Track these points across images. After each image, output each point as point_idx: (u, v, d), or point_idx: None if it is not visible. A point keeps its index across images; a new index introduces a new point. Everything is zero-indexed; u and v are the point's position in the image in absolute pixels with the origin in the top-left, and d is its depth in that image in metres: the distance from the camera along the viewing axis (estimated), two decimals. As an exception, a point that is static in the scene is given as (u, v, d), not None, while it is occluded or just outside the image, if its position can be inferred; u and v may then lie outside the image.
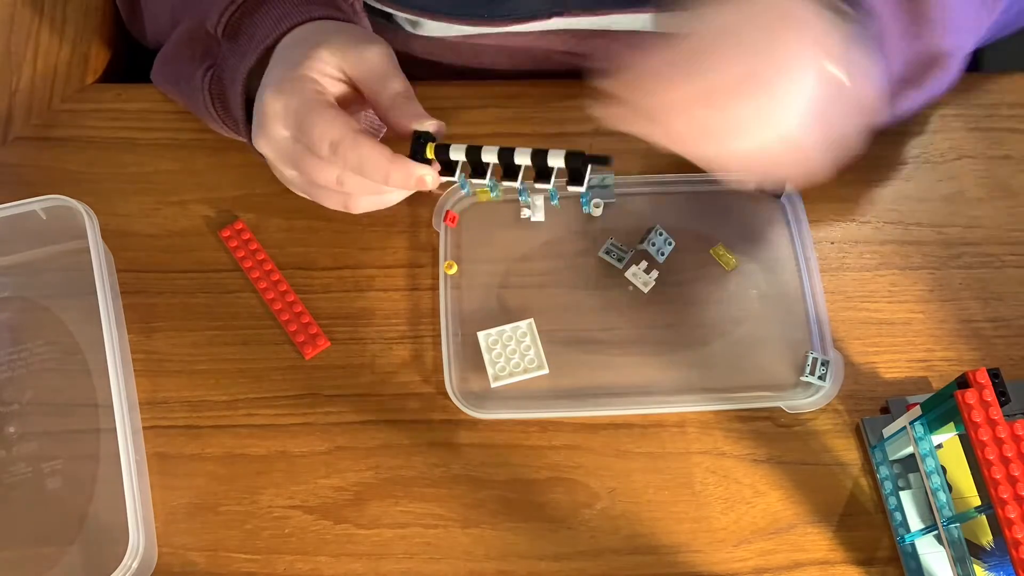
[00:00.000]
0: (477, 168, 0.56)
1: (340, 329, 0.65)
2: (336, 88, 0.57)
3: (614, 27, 0.71)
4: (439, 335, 0.64)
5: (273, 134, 0.56)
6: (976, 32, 0.62)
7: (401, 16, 0.70)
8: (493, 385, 0.62)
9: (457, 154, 0.55)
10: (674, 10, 0.65)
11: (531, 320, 0.63)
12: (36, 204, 0.63)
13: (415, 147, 0.55)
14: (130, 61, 0.79)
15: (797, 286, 0.65)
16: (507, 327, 0.63)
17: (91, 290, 0.60)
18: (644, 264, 0.65)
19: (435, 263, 0.66)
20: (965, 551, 0.54)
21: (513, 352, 0.63)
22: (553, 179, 0.55)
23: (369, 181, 0.55)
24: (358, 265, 0.67)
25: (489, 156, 0.55)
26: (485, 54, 0.73)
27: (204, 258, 0.67)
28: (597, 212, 0.67)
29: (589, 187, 0.55)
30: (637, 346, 0.64)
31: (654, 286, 0.65)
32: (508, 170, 0.56)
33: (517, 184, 0.56)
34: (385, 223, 0.68)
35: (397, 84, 0.57)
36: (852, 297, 0.66)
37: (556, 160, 0.54)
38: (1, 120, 0.72)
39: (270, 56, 0.60)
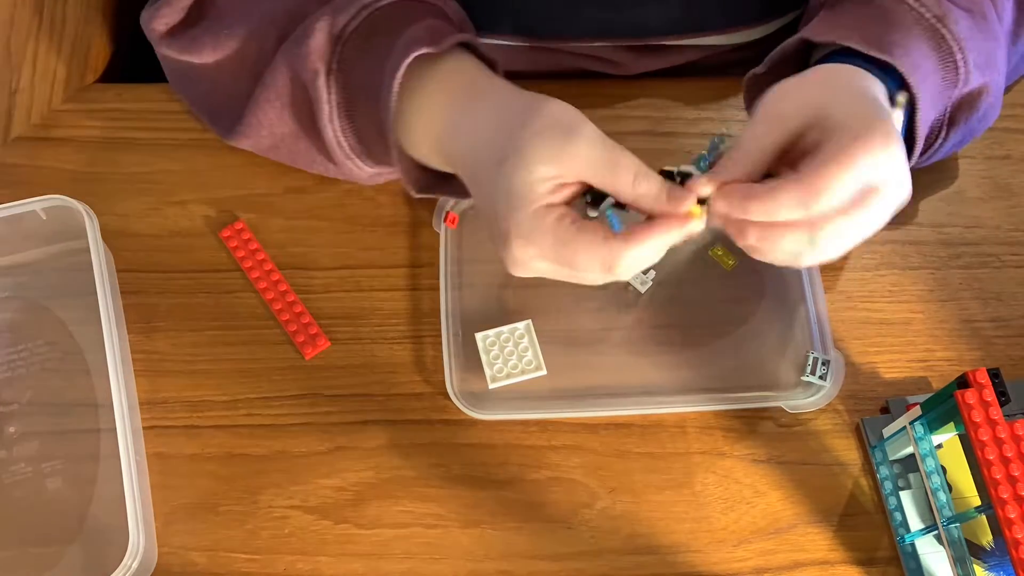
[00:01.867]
0: None
1: (340, 329, 0.65)
2: (569, 192, 0.53)
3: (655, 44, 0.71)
4: (439, 335, 0.64)
5: (534, 268, 0.53)
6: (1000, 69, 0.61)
7: None
8: (491, 386, 0.62)
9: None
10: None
11: (528, 321, 0.63)
12: (36, 204, 0.63)
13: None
14: (130, 61, 0.79)
15: (797, 286, 0.65)
16: (505, 328, 0.63)
17: (91, 290, 0.60)
18: (643, 264, 0.65)
19: (435, 263, 0.66)
20: (965, 551, 0.54)
21: (511, 353, 0.63)
22: None
23: None
24: (358, 265, 0.67)
25: None
26: (516, 58, 0.73)
27: (204, 258, 0.67)
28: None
29: None
30: (637, 346, 0.64)
31: (654, 287, 0.65)
32: None
33: None
34: (385, 223, 0.68)
35: (625, 170, 0.52)
36: (852, 297, 0.66)
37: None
38: (1, 120, 0.71)
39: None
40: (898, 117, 0.55)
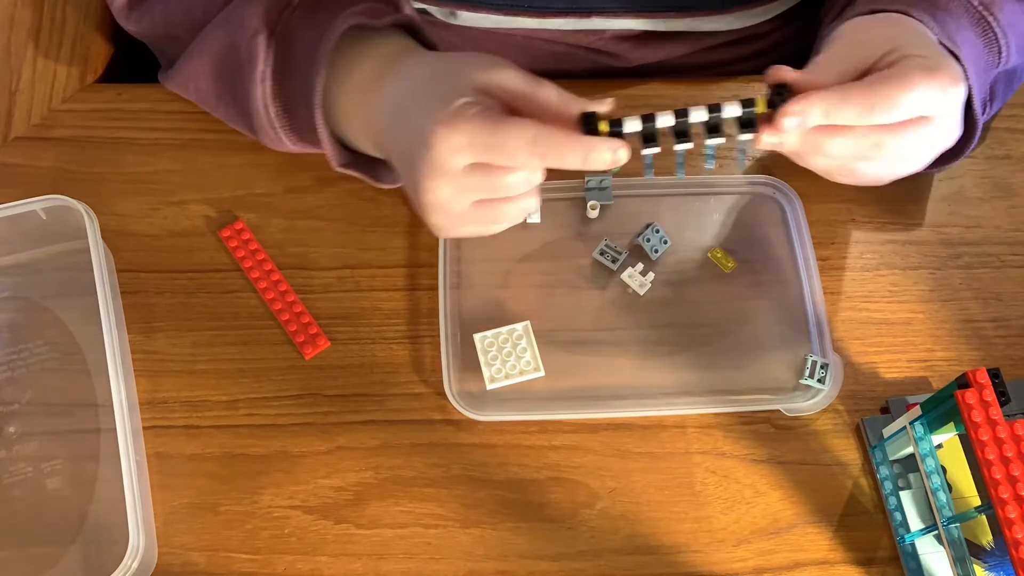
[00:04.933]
0: (649, 137, 0.55)
1: (340, 329, 0.65)
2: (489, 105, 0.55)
3: (650, 28, 0.71)
4: (439, 335, 0.64)
5: (452, 167, 0.53)
6: None
7: (435, 8, 0.71)
8: (489, 387, 0.62)
9: (632, 125, 0.54)
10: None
11: (527, 322, 0.63)
12: (36, 204, 0.63)
13: (587, 129, 0.53)
14: (130, 61, 0.79)
15: (797, 286, 0.65)
16: (503, 329, 0.63)
17: (91, 290, 0.60)
18: (640, 266, 0.65)
19: (434, 263, 0.66)
20: (965, 551, 0.54)
21: (509, 354, 0.63)
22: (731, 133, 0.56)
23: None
24: (358, 265, 0.67)
25: (664, 120, 0.54)
26: (509, 50, 0.73)
27: (204, 258, 0.67)
28: (594, 214, 0.67)
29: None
30: (636, 348, 0.64)
31: (654, 288, 0.65)
32: (680, 133, 0.55)
33: (689, 145, 0.55)
34: (385, 223, 0.68)
35: (550, 85, 0.55)
36: (852, 297, 0.66)
37: (732, 110, 0.54)
38: (1, 120, 0.71)
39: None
40: None
